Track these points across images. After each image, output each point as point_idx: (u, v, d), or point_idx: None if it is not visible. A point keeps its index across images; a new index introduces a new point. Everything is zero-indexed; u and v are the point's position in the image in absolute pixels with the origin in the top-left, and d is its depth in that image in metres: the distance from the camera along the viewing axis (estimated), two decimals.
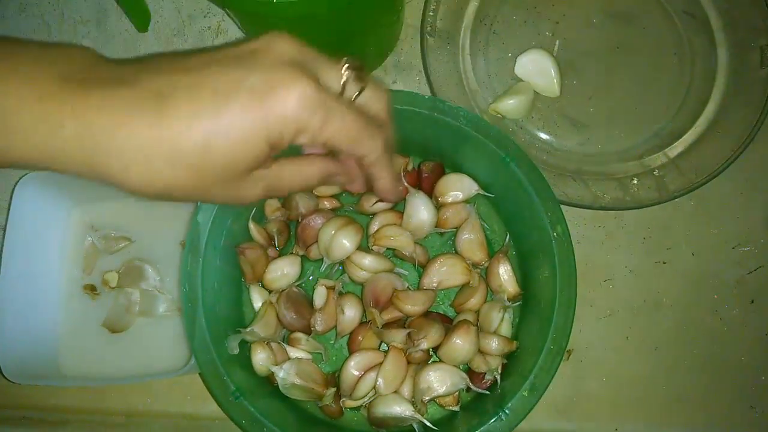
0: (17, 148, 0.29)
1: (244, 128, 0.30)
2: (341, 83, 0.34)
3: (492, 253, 0.56)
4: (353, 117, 0.33)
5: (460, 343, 0.51)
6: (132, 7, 0.56)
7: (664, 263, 0.59)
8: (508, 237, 0.55)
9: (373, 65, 0.63)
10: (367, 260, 0.54)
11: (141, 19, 0.58)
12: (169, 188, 0.31)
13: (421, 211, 0.55)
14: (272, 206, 0.57)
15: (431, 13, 0.61)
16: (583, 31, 0.64)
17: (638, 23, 0.64)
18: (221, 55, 0.32)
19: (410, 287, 0.55)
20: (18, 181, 0.55)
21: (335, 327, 0.55)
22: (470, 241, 0.55)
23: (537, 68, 0.61)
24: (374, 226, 0.57)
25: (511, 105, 0.60)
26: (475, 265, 0.55)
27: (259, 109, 0.30)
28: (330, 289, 0.55)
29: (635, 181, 0.58)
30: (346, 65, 0.34)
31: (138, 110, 0.29)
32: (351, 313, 0.55)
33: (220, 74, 0.30)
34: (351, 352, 0.54)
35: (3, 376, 0.52)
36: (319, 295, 0.55)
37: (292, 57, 0.32)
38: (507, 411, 0.47)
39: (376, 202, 0.57)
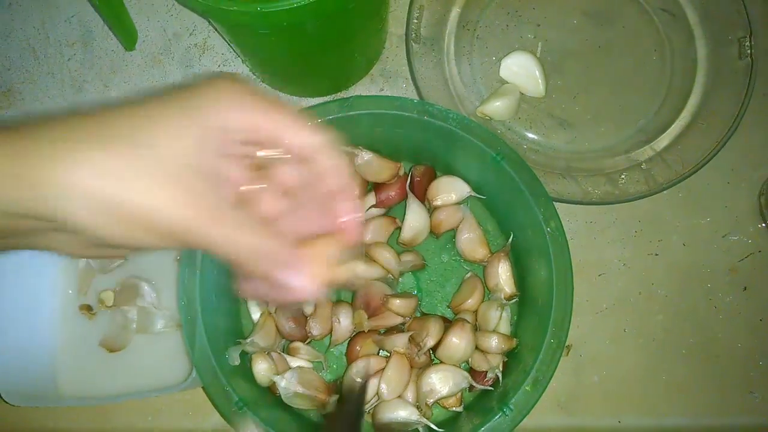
0: None
1: None
2: None
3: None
4: None
5: (456, 342, 0.51)
6: (119, 26, 0.56)
7: (657, 255, 0.60)
8: (511, 237, 0.56)
9: (360, 74, 0.64)
10: (360, 269, 0.55)
11: (128, 38, 0.58)
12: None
13: (416, 221, 0.56)
14: None
15: (415, 20, 0.62)
16: (564, 33, 0.65)
17: (617, 23, 0.65)
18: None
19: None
20: None
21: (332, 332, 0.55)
22: (471, 239, 0.56)
23: (521, 70, 0.62)
24: (367, 236, 0.57)
25: (497, 107, 0.61)
26: (476, 263, 0.57)
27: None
28: None
29: (624, 176, 0.59)
30: None
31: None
32: (346, 322, 0.55)
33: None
34: (350, 362, 0.55)
35: (2, 399, 0.51)
36: (308, 303, 0.55)
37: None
38: (511, 406, 0.47)
39: (368, 209, 0.57)
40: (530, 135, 0.63)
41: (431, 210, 0.57)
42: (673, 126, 0.61)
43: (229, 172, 0.32)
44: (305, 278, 0.33)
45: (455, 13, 0.65)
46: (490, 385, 0.52)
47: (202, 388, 0.48)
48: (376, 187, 0.58)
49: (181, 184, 0.29)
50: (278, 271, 0.32)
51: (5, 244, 0.31)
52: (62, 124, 0.29)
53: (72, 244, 0.32)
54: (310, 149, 0.33)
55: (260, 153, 0.33)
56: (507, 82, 0.63)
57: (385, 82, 0.65)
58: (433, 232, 0.58)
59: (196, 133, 0.30)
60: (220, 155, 0.31)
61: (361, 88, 0.64)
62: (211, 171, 0.31)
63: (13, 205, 0.27)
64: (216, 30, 0.64)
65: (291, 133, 0.32)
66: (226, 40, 0.62)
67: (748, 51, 0.59)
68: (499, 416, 0.47)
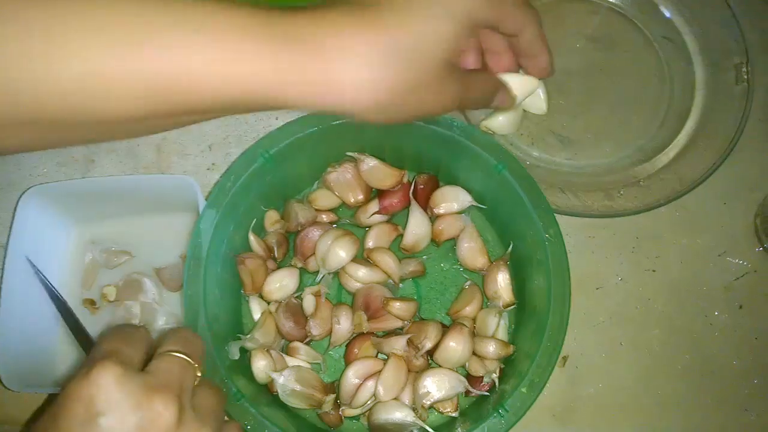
0: (243, 81, 0.31)
1: (445, 20, 0.34)
2: None
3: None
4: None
5: (454, 345, 0.52)
6: None
7: (654, 271, 0.61)
8: (511, 246, 0.57)
9: None
10: (361, 272, 0.56)
11: None
12: (385, 90, 0.34)
13: (418, 228, 0.57)
14: (272, 218, 0.58)
15: None
16: (567, 55, 0.67)
17: (619, 48, 0.67)
18: None
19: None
20: (20, 198, 0.56)
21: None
22: (471, 249, 0.57)
23: (525, 86, 0.64)
24: (370, 242, 0.58)
25: (501, 121, 0.62)
26: (476, 272, 0.58)
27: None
28: (317, 295, 0.56)
29: (622, 192, 0.60)
30: None
31: (351, 17, 0.32)
32: (346, 323, 0.55)
33: None
34: (348, 364, 0.55)
35: (3, 386, 0.52)
36: (309, 303, 0.56)
37: None
38: (506, 408, 0.47)
39: (372, 215, 0.59)
40: (532, 151, 0.64)
41: (433, 219, 0.59)
42: (670, 146, 0.63)
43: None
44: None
45: None
46: (486, 391, 0.53)
47: None
48: (380, 194, 0.59)
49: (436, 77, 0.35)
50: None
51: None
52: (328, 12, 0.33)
53: None
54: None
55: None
56: None
57: None
58: (434, 240, 0.59)
59: (453, 28, 0.35)
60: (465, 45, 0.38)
61: None
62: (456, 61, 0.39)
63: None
64: None
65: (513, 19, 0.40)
66: None
67: (745, 77, 0.61)
68: (495, 418, 0.47)
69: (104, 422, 0.30)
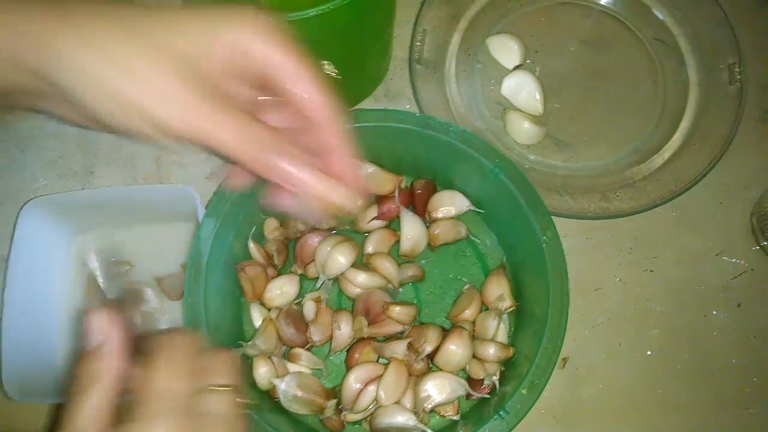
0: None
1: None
2: None
3: (484, 267, 0.59)
4: None
5: (454, 348, 0.52)
6: None
7: (652, 271, 0.61)
8: (504, 258, 0.57)
9: (365, 94, 0.66)
10: (361, 277, 0.56)
11: None
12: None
13: (412, 232, 0.58)
14: (271, 226, 0.59)
15: (418, 43, 0.65)
16: (561, 59, 0.68)
17: (613, 50, 0.68)
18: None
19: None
20: (20, 211, 0.57)
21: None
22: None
23: (522, 88, 0.65)
24: (369, 247, 0.58)
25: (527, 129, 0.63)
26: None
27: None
28: (317, 301, 0.56)
29: (618, 193, 0.61)
30: None
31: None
32: (347, 328, 0.56)
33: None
34: (349, 369, 0.55)
35: (6, 396, 0.52)
36: (309, 309, 0.56)
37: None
38: (507, 409, 0.47)
39: (371, 220, 0.59)
40: (528, 154, 0.65)
41: (429, 223, 0.59)
42: (665, 147, 0.63)
43: (237, 94, 0.34)
44: (312, 173, 0.34)
45: (457, 38, 0.68)
46: (487, 393, 0.53)
47: None
48: (378, 199, 0.59)
49: (190, 86, 0.32)
50: (284, 161, 0.33)
51: (12, 100, 0.35)
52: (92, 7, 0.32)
53: (72, 114, 0.34)
54: (312, 105, 0.35)
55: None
56: (506, 104, 0.65)
57: (389, 102, 0.67)
58: (430, 245, 0.59)
59: (220, 51, 0.32)
60: (234, 77, 0.34)
61: (365, 107, 0.67)
62: (221, 85, 0.33)
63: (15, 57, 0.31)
64: None
65: (302, 84, 0.34)
66: None
67: (738, 77, 0.62)
68: (495, 419, 0.48)
69: None
